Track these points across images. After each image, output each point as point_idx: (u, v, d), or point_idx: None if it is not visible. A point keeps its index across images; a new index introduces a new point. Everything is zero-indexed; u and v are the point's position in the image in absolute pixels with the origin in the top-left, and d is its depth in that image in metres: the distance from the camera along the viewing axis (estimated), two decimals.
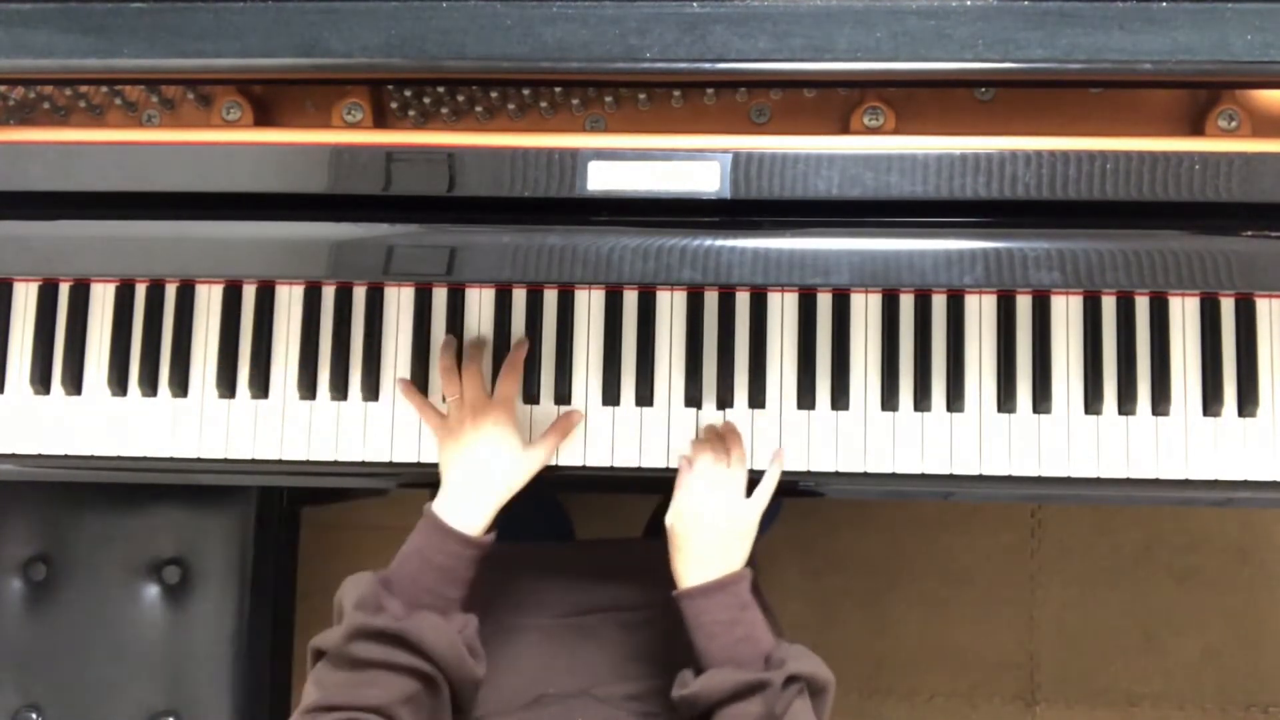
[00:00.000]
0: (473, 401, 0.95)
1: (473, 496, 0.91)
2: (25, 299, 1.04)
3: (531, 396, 1.01)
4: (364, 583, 0.85)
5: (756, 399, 1.00)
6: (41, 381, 1.03)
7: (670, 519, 0.92)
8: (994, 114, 0.93)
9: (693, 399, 1.01)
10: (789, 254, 0.89)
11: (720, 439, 0.97)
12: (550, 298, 1.02)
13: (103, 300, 1.04)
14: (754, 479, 0.95)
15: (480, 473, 0.92)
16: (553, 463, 1.00)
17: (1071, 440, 0.99)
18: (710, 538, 0.90)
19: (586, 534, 1.45)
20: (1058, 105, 0.92)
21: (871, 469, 0.99)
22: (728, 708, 0.82)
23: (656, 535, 1.33)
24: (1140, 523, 1.84)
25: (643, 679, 0.95)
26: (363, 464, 1.01)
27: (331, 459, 1.01)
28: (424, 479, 1.02)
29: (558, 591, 1.06)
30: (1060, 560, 1.84)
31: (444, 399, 0.98)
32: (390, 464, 1.01)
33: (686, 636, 0.88)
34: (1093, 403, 0.99)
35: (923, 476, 0.99)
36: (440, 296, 1.02)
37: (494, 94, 0.93)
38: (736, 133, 0.92)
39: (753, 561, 0.92)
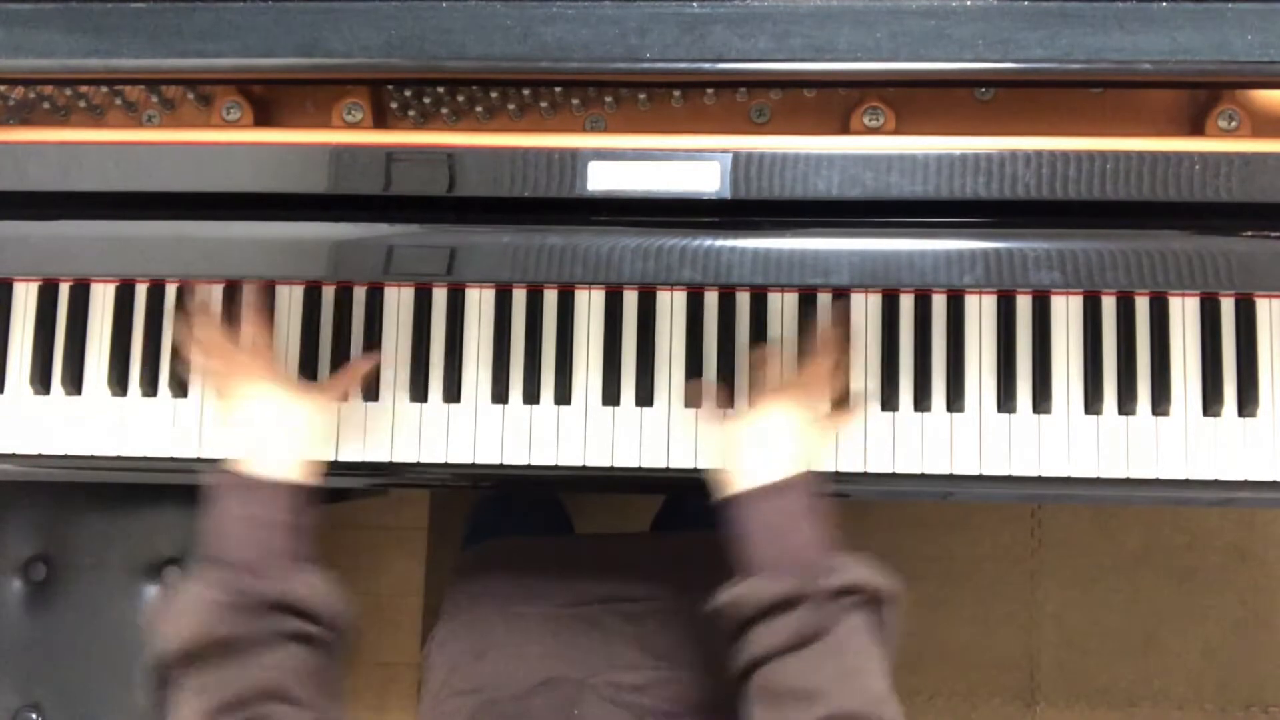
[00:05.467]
0: (221, 360, 0.92)
1: (269, 445, 0.85)
2: (25, 299, 1.04)
3: (532, 396, 1.01)
4: (209, 572, 0.76)
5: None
6: (41, 381, 1.03)
7: (727, 449, 0.86)
8: (994, 114, 0.93)
9: (694, 399, 1.00)
10: (789, 254, 0.89)
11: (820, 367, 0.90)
12: (550, 298, 1.02)
13: (103, 300, 1.04)
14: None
15: (263, 421, 0.87)
16: (553, 462, 1.00)
17: (1071, 440, 0.99)
18: (769, 454, 0.83)
19: (584, 531, 1.46)
20: (1058, 105, 0.92)
21: (871, 469, 0.99)
22: (761, 623, 0.74)
23: (664, 530, 1.34)
24: (1140, 523, 1.84)
25: (645, 669, 0.95)
26: (363, 464, 1.00)
27: (331, 459, 1.01)
28: (425, 479, 1.02)
29: (561, 582, 1.06)
30: (1060, 560, 1.84)
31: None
32: (390, 464, 1.01)
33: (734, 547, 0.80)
34: (1093, 403, 0.99)
35: (923, 476, 0.99)
36: (440, 296, 1.02)
37: (494, 94, 0.93)
38: (736, 133, 0.92)
39: None
